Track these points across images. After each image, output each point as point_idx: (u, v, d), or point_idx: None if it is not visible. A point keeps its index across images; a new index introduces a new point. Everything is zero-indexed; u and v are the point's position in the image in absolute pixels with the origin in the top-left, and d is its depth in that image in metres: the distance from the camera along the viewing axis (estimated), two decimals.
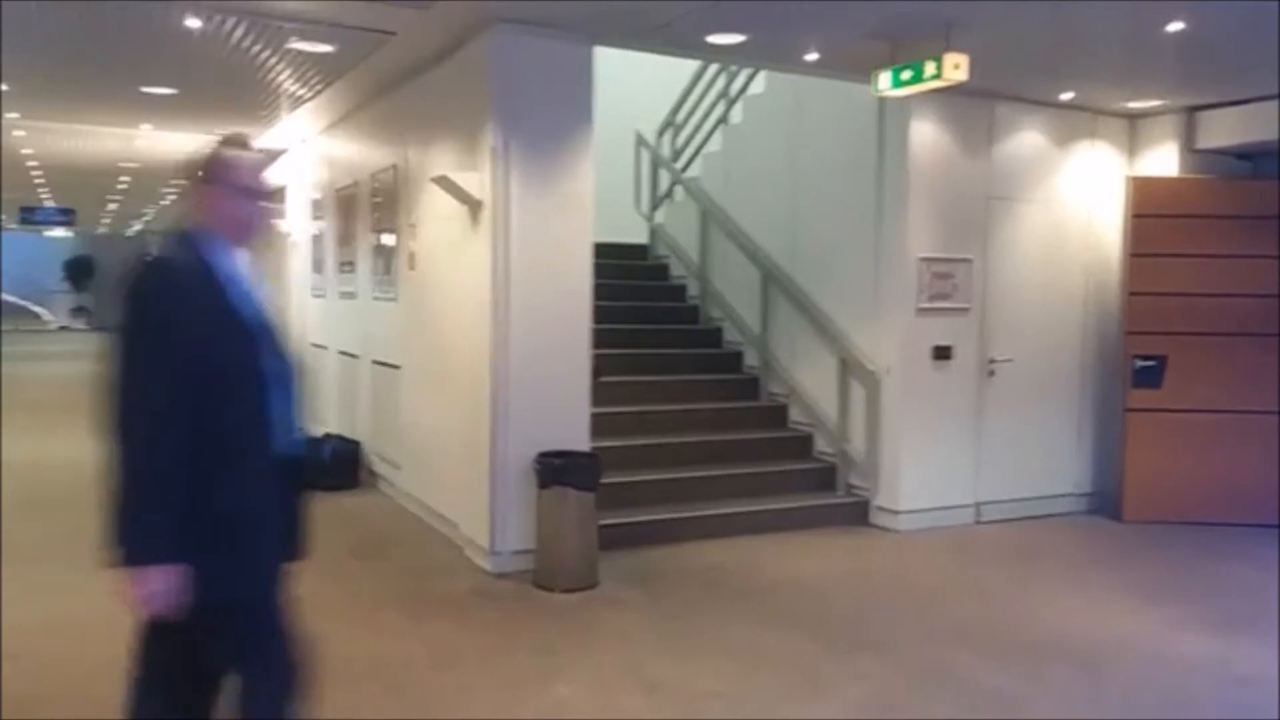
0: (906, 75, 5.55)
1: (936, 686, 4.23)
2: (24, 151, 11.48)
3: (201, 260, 2.48)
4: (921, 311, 6.87)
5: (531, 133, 5.65)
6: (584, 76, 5.78)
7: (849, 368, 7.21)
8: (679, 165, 9.54)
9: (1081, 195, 7.51)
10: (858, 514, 7.07)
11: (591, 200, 5.87)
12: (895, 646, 4.68)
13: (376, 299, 7.98)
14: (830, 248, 7.51)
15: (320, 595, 5.24)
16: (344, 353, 8.83)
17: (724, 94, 9.02)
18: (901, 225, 6.81)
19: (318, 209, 9.98)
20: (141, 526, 2.34)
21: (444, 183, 5.79)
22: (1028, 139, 7.27)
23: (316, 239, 10.05)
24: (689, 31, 5.65)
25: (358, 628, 4.74)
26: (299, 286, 10.85)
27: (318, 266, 10.00)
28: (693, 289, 9.07)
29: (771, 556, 6.18)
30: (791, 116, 7.92)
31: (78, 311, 33.19)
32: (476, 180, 5.75)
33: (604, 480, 5.62)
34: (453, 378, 6.30)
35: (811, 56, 6.17)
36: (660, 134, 9.74)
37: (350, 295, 8.69)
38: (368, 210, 8.19)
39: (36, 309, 33.37)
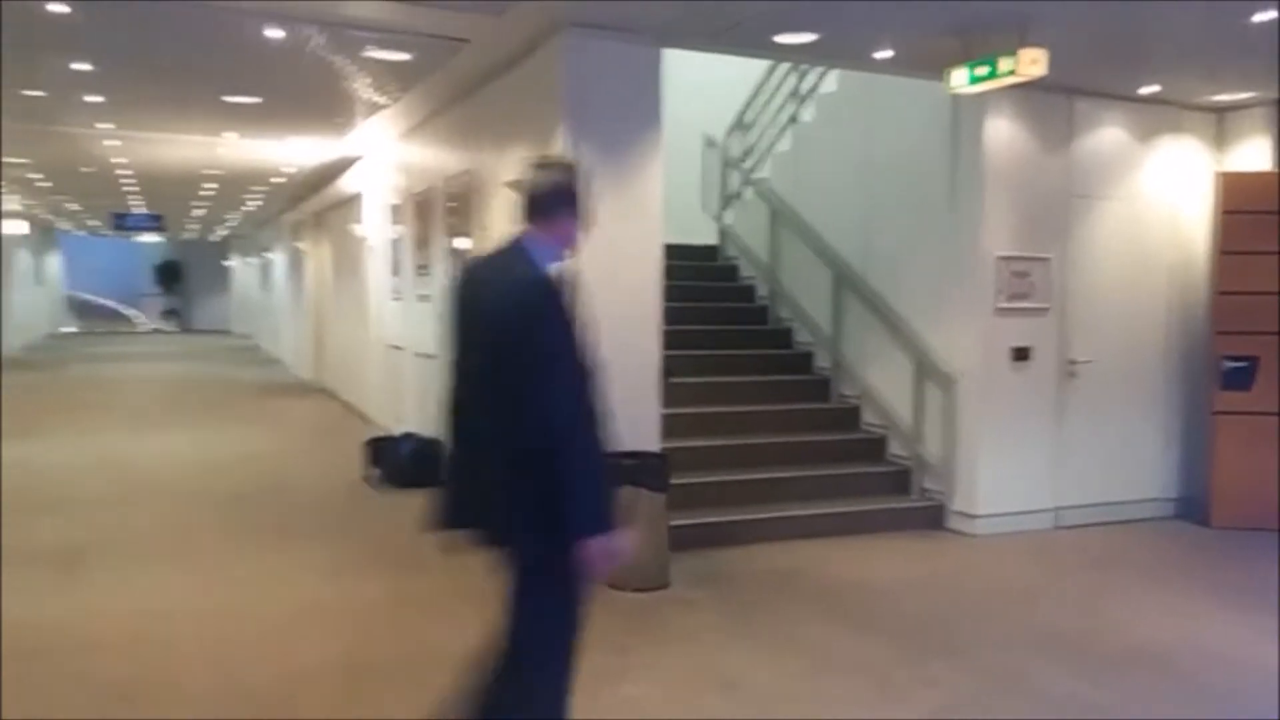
0: (982, 72, 5.45)
1: (1012, 694, 4.15)
2: (116, 160, 11.95)
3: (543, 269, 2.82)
4: (999, 311, 6.75)
5: (601, 135, 5.70)
6: (653, 79, 5.81)
7: (924, 369, 7.11)
8: (748, 166, 9.51)
9: (1165, 191, 7.30)
10: (933, 518, 6.97)
11: (660, 202, 5.90)
12: (970, 652, 4.61)
13: None
14: (904, 247, 7.41)
15: (403, 588, 5.37)
16: (421, 354, 8.99)
17: (794, 93, 8.96)
18: (978, 224, 6.69)
19: (395, 214, 10.19)
20: (602, 499, 2.82)
21: (516, 186, 5.86)
22: (1109, 134, 7.08)
23: (394, 243, 10.27)
24: (759, 32, 5.64)
25: (435, 620, 4.83)
26: (377, 290, 11.08)
27: (396, 270, 10.21)
28: (762, 290, 9.03)
29: (844, 560, 6.13)
30: (864, 115, 7.84)
31: (168, 314, 34.40)
32: None
33: (674, 481, 5.63)
34: None
35: (884, 54, 6.10)
36: (729, 134, 9.71)
37: (427, 298, 8.85)
38: (443, 215, 8.33)
39: (129, 312, 34.65)
